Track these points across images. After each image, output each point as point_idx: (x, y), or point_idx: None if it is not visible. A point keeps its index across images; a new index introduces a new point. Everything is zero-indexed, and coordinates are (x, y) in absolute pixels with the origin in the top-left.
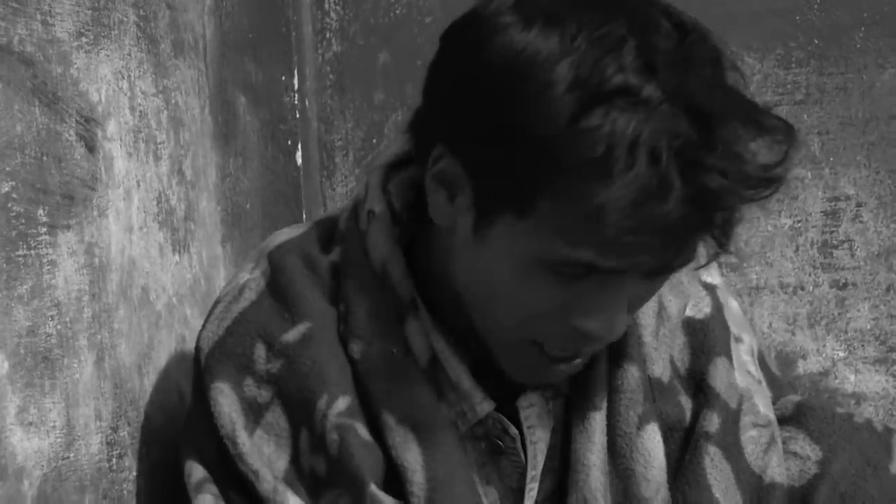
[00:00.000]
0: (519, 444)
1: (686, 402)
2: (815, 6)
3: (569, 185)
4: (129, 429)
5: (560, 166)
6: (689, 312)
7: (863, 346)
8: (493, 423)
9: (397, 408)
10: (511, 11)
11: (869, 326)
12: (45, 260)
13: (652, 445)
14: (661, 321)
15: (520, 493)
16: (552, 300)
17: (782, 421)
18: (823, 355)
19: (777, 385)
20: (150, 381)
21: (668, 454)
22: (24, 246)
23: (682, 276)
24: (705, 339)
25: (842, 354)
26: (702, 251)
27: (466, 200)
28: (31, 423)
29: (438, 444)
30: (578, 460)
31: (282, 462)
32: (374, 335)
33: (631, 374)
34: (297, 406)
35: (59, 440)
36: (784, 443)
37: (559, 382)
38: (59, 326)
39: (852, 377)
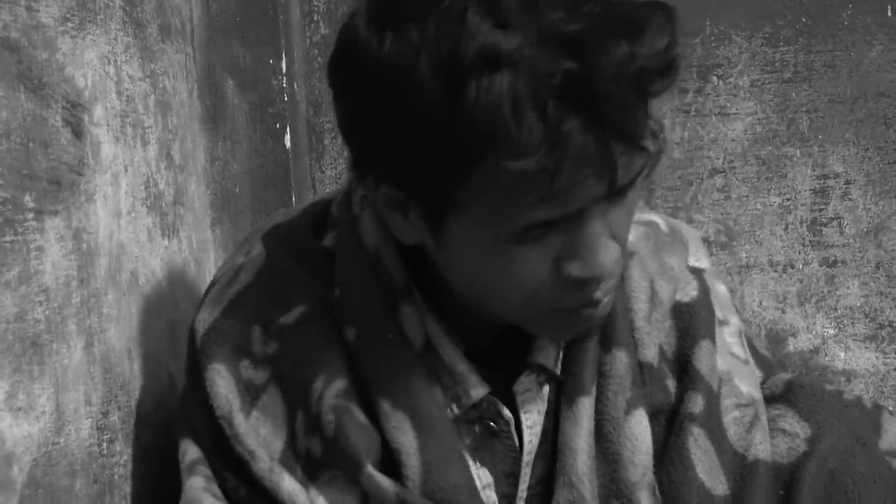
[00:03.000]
0: (513, 428)
1: (672, 385)
2: None
3: (482, 167)
4: (119, 413)
5: (463, 153)
6: (677, 297)
7: (853, 323)
8: (487, 406)
9: (392, 391)
10: (366, 29)
11: (859, 304)
12: (32, 246)
13: (639, 430)
14: (653, 306)
15: (513, 476)
16: (539, 266)
17: (772, 399)
18: (814, 333)
19: (767, 364)
20: (139, 366)
21: (654, 437)
22: (11, 232)
23: (673, 262)
24: (691, 321)
25: (832, 332)
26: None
27: (416, 214)
28: (20, 409)
29: (433, 427)
30: (566, 444)
31: (278, 443)
32: (368, 319)
33: (619, 360)
34: (293, 387)
35: (48, 425)
36: (773, 420)
37: (552, 366)
38: (47, 312)
39: (842, 354)
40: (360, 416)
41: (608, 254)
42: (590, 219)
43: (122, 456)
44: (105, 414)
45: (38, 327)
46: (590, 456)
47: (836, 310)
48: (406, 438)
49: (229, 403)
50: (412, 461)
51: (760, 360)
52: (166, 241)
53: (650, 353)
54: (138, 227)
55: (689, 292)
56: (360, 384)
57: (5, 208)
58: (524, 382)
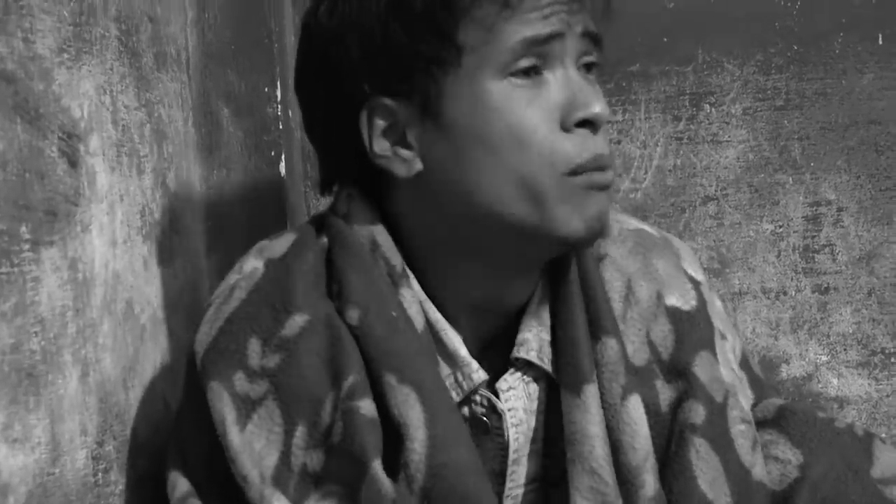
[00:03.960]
0: (505, 424)
1: (662, 388)
2: (794, 12)
3: (467, 17)
4: (114, 443)
5: (449, 14)
6: (675, 302)
7: (845, 350)
8: (480, 399)
9: (398, 368)
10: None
11: (851, 330)
12: (28, 277)
13: (637, 416)
14: (628, 305)
15: (501, 475)
16: (542, 113)
17: (764, 424)
18: (806, 359)
19: (759, 386)
20: (135, 395)
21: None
22: (7, 263)
23: (660, 265)
24: (691, 330)
25: (824, 358)
26: None
27: (411, 116)
28: (15, 440)
29: (439, 404)
30: (580, 431)
31: (272, 458)
32: (370, 301)
33: (610, 347)
34: (297, 400)
35: (44, 456)
36: (765, 446)
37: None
38: (43, 342)
39: (835, 381)
40: (367, 409)
41: (600, 99)
42: (571, 54)
43: (118, 485)
44: (100, 444)
45: (34, 358)
46: (605, 442)
47: (828, 336)
48: (413, 412)
49: (223, 419)
50: (419, 434)
51: (753, 381)
52: (162, 270)
53: (630, 349)
54: (134, 256)
55: (689, 301)
56: (366, 366)
57: (1, 240)
58: (508, 380)
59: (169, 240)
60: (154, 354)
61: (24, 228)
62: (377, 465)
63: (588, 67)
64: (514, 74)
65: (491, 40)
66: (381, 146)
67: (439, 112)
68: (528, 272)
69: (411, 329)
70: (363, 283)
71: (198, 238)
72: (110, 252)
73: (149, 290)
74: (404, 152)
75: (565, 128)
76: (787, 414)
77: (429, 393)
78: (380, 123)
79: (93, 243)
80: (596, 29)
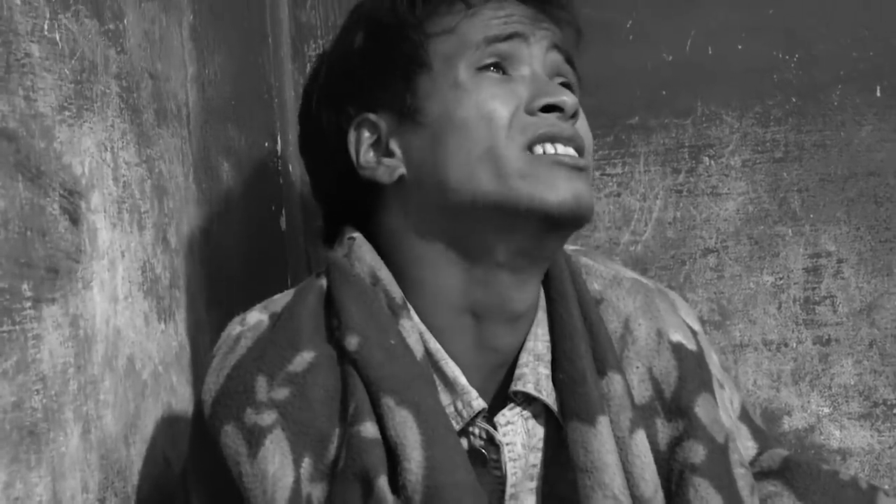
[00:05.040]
0: (502, 457)
1: (662, 426)
2: (793, 65)
3: (440, 32)
4: (115, 500)
5: (419, 38)
6: (680, 339)
7: (847, 401)
8: (479, 432)
9: (396, 390)
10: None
11: (853, 382)
12: (29, 334)
13: (644, 449)
14: (624, 344)
15: None
16: (506, 92)
17: (768, 475)
18: (808, 411)
19: (762, 437)
20: (136, 451)
21: None
22: (9, 321)
23: (661, 306)
24: (696, 370)
25: (826, 410)
26: None
27: (390, 124)
28: (17, 499)
29: (436, 427)
30: (599, 459)
31: (287, 480)
32: (369, 329)
33: (617, 382)
34: (304, 432)
35: None
36: (770, 498)
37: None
38: (44, 400)
39: (837, 433)
40: (367, 432)
41: (568, 93)
42: (532, 55)
43: None
44: (102, 501)
45: (36, 415)
46: (621, 471)
47: (830, 388)
48: (410, 433)
49: (237, 454)
50: (415, 455)
51: (756, 432)
52: (162, 325)
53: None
54: (135, 312)
55: (692, 343)
56: (366, 390)
57: (3, 298)
58: (506, 415)
59: (170, 295)
60: (155, 410)
61: (25, 286)
62: (383, 481)
63: (565, 87)
64: (482, 69)
65: (457, 39)
66: (366, 158)
67: (417, 111)
68: (524, 269)
69: (410, 356)
70: (362, 313)
71: (199, 293)
72: (111, 308)
73: (150, 346)
74: (388, 160)
75: (529, 111)
76: (791, 465)
77: (426, 416)
78: (366, 137)
79: (94, 300)
80: (565, 46)
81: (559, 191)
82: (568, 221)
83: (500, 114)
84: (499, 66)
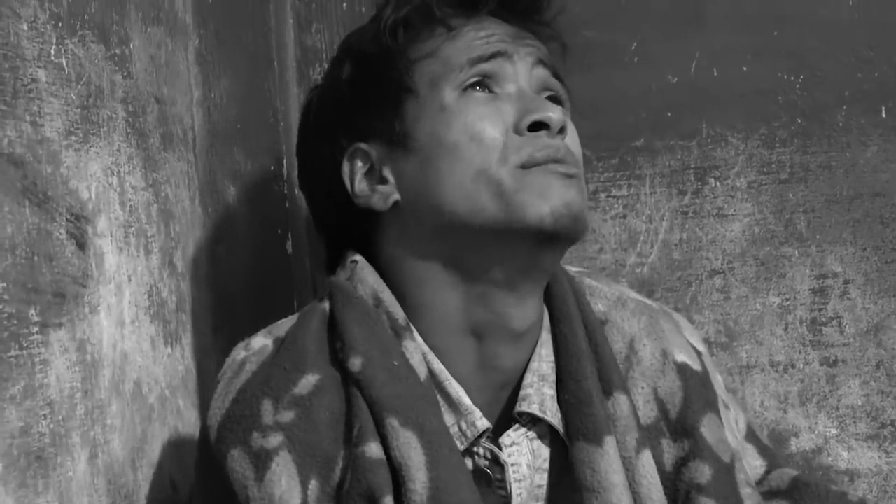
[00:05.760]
0: (507, 477)
1: (668, 447)
2: (797, 86)
3: (424, 57)
4: None
5: (405, 65)
6: (685, 359)
7: (854, 422)
8: (484, 451)
9: (400, 410)
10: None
11: (860, 403)
12: (37, 359)
13: (650, 469)
14: (629, 365)
15: None
16: (497, 114)
17: (777, 494)
18: (816, 433)
19: (770, 455)
20: (143, 475)
21: None
22: (16, 346)
23: (665, 327)
24: (700, 389)
25: (834, 431)
26: None
27: (382, 152)
28: None
29: (440, 447)
30: (606, 480)
31: (295, 501)
32: (372, 350)
33: (623, 402)
34: (311, 454)
35: None
36: None
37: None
38: (51, 425)
39: (845, 454)
40: (372, 452)
41: (555, 108)
42: (518, 73)
43: None
44: None
45: (43, 441)
46: (628, 491)
47: (837, 409)
48: (414, 454)
49: (244, 479)
50: (420, 475)
51: (763, 450)
52: (169, 349)
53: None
54: (141, 337)
55: (696, 363)
56: (370, 410)
57: (10, 323)
58: (511, 436)
59: (176, 319)
60: (162, 434)
61: (32, 311)
62: (388, 501)
63: (554, 101)
64: (467, 89)
65: (440, 62)
66: (361, 187)
67: (406, 136)
68: (522, 286)
69: (413, 377)
70: (365, 334)
71: (205, 317)
72: (118, 333)
73: (157, 370)
74: (382, 188)
75: (518, 131)
76: (799, 486)
77: (430, 436)
78: (359, 166)
79: (101, 324)
80: (550, 60)
81: (551, 200)
82: (561, 231)
83: (489, 134)
84: (484, 85)
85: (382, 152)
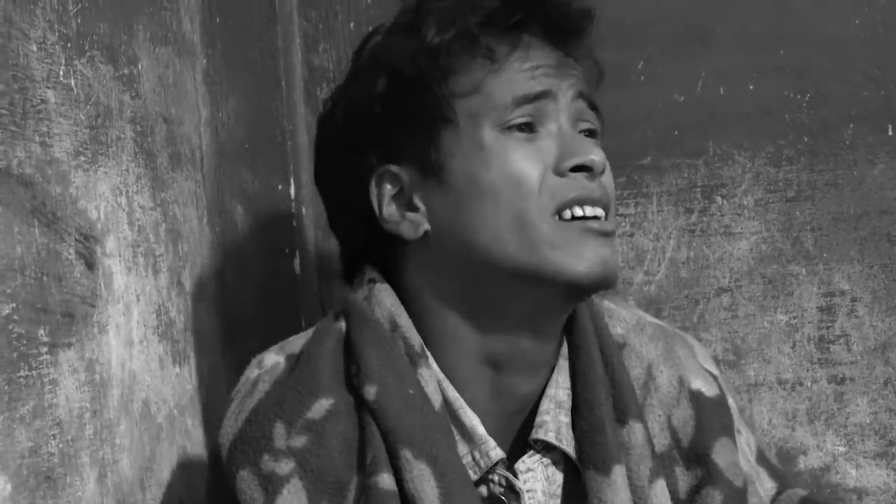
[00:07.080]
0: None
1: (682, 475)
2: (804, 105)
3: (456, 79)
4: None
5: (444, 90)
6: (700, 386)
7: (863, 440)
8: (499, 479)
9: (414, 442)
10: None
11: (868, 420)
12: (46, 379)
13: (664, 497)
14: (647, 392)
15: None
16: (535, 158)
17: None
18: (824, 451)
19: (780, 476)
20: (151, 495)
21: None
22: (26, 367)
23: (681, 353)
24: (712, 415)
25: (842, 449)
26: None
27: (414, 179)
28: None
29: (454, 480)
30: None
31: None
32: (388, 377)
33: (638, 431)
34: (323, 481)
35: None
36: None
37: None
38: (60, 445)
39: (853, 472)
40: (384, 484)
41: (596, 150)
42: (559, 113)
43: None
44: None
45: (52, 461)
46: None
47: (845, 427)
48: (428, 486)
49: (254, 501)
50: None
51: (773, 472)
52: (177, 369)
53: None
54: (150, 356)
55: (712, 388)
56: (384, 440)
57: (20, 343)
58: (526, 462)
59: (184, 338)
60: (170, 454)
61: (41, 331)
62: None
63: (589, 134)
64: (509, 129)
65: (483, 98)
66: (389, 211)
67: (441, 168)
68: (544, 327)
69: (428, 406)
70: (381, 360)
71: (213, 336)
72: (127, 352)
73: (165, 390)
74: (412, 215)
75: (559, 173)
76: None
77: (443, 468)
78: (388, 189)
79: (109, 344)
80: (589, 92)
81: (588, 261)
82: (594, 288)
83: (528, 176)
84: (526, 125)
85: (414, 179)
